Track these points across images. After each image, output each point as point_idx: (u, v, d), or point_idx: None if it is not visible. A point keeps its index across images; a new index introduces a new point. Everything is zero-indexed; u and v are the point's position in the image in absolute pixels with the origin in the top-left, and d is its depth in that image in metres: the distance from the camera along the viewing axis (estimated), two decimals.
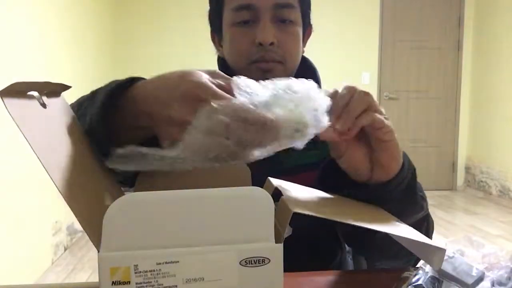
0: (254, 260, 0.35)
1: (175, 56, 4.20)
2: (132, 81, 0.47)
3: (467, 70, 4.66)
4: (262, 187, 0.36)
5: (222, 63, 0.78)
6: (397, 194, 0.53)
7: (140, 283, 0.33)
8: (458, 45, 4.64)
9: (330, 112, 0.45)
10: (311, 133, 0.42)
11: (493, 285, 0.43)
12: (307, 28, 0.79)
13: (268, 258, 0.35)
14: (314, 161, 0.69)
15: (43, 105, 0.40)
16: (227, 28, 0.73)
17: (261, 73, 0.69)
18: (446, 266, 0.44)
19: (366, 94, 0.49)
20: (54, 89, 0.44)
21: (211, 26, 0.80)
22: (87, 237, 0.37)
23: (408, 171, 0.54)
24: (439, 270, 0.44)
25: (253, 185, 0.48)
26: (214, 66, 0.71)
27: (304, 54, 0.79)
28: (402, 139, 0.52)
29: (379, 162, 0.51)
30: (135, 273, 0.33)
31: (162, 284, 0.33)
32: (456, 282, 0.43)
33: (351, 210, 0.49)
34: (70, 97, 0.56)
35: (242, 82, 0.42)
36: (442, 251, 0.41)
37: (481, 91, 4.51)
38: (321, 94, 0.44)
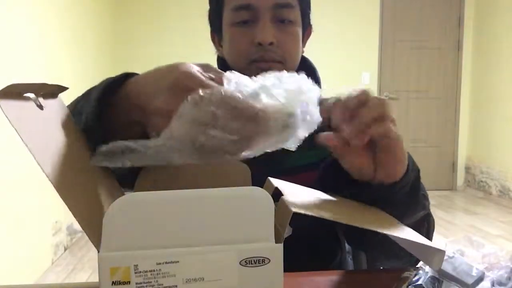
0: (254, 260, 0.34)
1: (175, 56, 4.17)
2: (126, 77, 0.47)
3: (467, 70, 4.66)
4: (262, 187, 0.36)
5: (222, 63, 0.78)
6: (401, 196, 0.52)
7: (140, 283, 0.33)
8: (458, 45, 4.64)
9: (320, 104, 0.43)
10: (302, 131, 0.41)
11: (493, 285, 0.43)
12: (307, 28, 0.79)
13: (268, 258, 0.35)
14: (314, 161, 0.69)
15: (40, 107, 0.40)
16: (226, 28, 0.74)
17: (260, 73, 0.69)
18: (446, 266, 0.44)
19: (381, 101, 0.47)
20: (51, 90, 0.44)
21: (211, 26, 0.80)
22: (87, 237, 0.37)
23: (412, 173, 0.53)
24: (439, 270, 0.44)
25: (253, 185, 0.47)
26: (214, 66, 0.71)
27: (304, 54, 0.79)
28: None
29: (384, 164, 0.50)
30: (135, 273, 0.33)
31: (162, 284, 0.33)
32: (456, 282, 0.43)
33: (351, 211, 0.48)
34: (70, 97, 0.56)
35: (234, 76, 0.42)
36: (441, 252, 0.41)
37: (481, 91, 4.51)
38: (313, 87, 0.43)
